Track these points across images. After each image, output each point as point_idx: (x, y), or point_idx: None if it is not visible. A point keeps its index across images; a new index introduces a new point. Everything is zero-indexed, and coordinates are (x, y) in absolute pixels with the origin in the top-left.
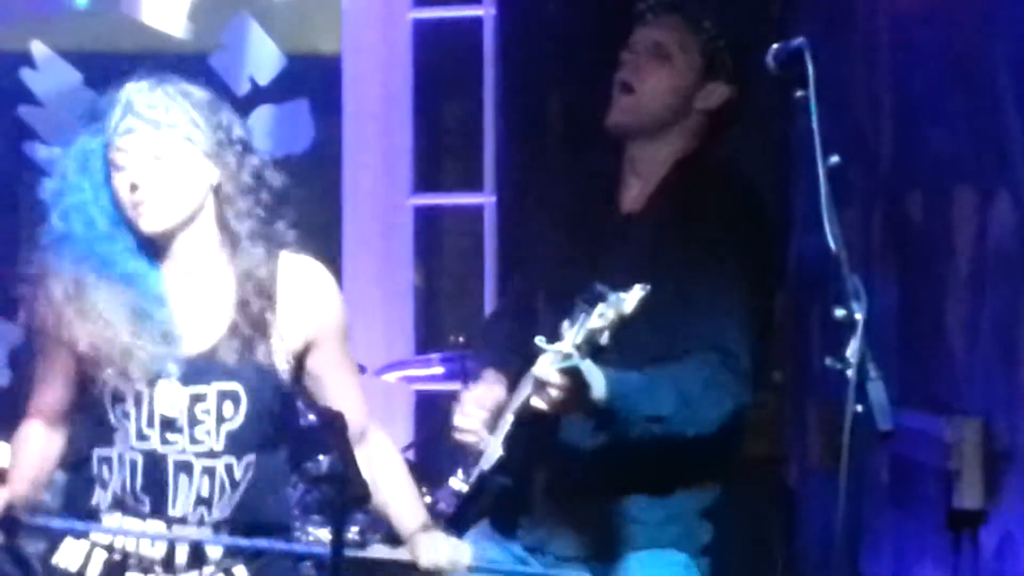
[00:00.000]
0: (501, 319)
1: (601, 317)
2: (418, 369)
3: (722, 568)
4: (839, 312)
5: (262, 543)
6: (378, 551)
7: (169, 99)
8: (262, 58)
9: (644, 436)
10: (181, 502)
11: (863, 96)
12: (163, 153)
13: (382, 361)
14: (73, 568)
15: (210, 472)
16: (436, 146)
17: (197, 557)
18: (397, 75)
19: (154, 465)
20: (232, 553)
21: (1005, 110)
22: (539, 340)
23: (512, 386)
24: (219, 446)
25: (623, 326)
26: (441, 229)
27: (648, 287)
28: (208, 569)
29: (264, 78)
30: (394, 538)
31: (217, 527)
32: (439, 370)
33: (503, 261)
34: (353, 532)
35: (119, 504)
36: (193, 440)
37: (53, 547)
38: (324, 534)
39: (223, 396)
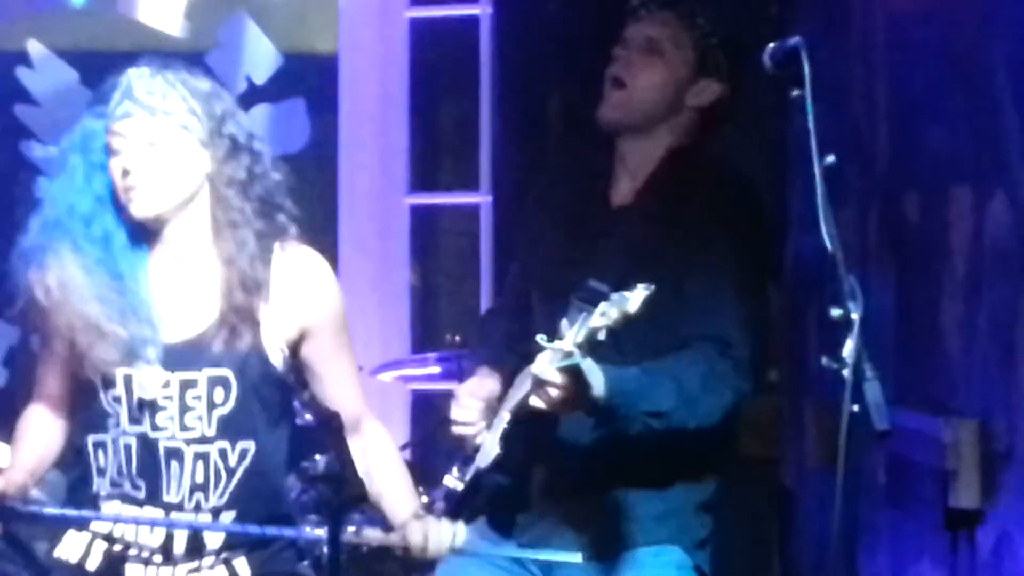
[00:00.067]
0: (496, 317)
1: (603, 316)
2: (414, 368)
3: (720, 568)
4: (835, 312)
5: (256, 530)
6: (370, 535)
7: (168, 86)
8: (258, 57)
9: (644, 432)
10: (175, 488)
11: (860, 96)
12: (157, 139)
13: (378, 361)
14: (74, 560)
15: (203, 457)
16: (432, 145)
17: (196, 546)
18: (393, 74)
19: (147, 450)
20: (233, 545)
21: (1002, 110)
22: (540, 338)
23: (507, 383)
24: (211, 431)
25: (625, 325)
26: (437, 228)
27: (652, 287)
28: (208, 560)
29: (260, 77)
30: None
31: (215, 514)
32: (435, 370)
33: (499, 260)
34: (349, 532)
35: (116, 489)
36: (184, 427)
37: (54, 540)
38: (320, 534)
39: (214, 382)
